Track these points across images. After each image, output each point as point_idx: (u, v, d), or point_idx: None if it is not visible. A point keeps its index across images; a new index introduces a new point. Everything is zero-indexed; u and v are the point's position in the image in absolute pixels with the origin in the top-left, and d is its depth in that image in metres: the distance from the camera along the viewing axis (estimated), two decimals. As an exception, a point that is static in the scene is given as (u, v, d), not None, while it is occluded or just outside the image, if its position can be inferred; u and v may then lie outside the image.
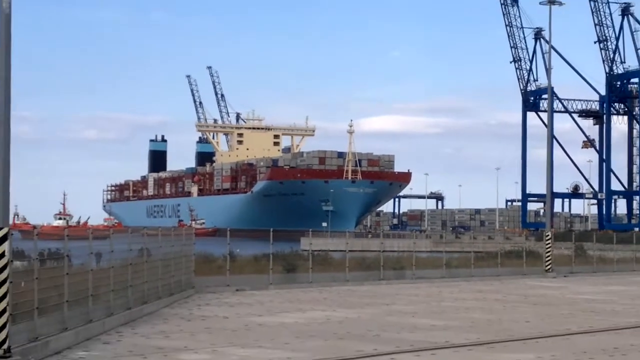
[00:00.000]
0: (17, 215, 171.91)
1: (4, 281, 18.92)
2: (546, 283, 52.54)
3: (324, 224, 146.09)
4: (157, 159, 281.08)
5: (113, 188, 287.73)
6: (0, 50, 20.06)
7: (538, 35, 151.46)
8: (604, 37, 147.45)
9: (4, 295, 18.89)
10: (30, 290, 21.35)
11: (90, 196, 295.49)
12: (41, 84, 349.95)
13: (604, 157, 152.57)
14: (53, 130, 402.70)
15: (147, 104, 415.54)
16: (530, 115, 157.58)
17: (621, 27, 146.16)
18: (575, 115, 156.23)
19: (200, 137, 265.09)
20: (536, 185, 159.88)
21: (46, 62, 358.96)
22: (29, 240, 23.19)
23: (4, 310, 18.84)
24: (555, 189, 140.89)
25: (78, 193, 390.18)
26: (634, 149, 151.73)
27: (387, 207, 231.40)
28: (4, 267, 18.96)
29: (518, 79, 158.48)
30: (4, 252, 18.99)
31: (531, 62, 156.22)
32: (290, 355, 21.67)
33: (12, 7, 20.18)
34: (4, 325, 18.78)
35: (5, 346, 18.74)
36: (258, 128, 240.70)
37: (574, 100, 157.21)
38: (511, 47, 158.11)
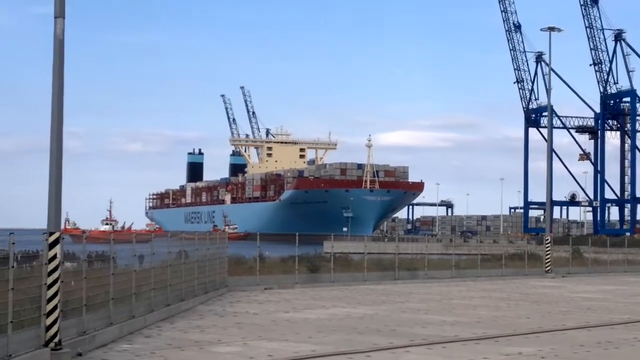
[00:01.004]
0: (68, 221, 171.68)
1: (56, 281, 18.95)
2: (546, 283, 52.32)
3: (345, 229, 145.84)
4: (195, 170, 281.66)
5: (154, 196, 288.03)
6: (54, 72, 20.14)
7: (539, 58, 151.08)
8: (598, 60, 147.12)
9: (55, 294, 18.92)
10: (79, 288, 21.41)
11: (134, 204, 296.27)
12: (89, 102, 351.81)
13: (599, 169, 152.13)
14: (100, 144, 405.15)
15: (186, 121, 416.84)
16: (532, 130, 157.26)
17: (614, 51, 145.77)
18: (572, 131, 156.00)
19: (233, 151, 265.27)
20: (537, 193, 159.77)
21: (94, 81, 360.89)
22: (79, 243, 23.27)
23: (55, 307, 18.85)
24: (554, 198, 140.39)
25: (123, 201, 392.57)
26: (626, 161, 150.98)
27: (402, 213, 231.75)
28: (56, 268, 18.99)
29: (521, 98, 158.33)
30: (55, 254, 19.02)
31: (533, 82, 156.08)
32: (314, 348, 21.59)
33: (65, 32, 20.25)
34: (55, 321, 18.80)
35: (56, 340, 18.77)
36: (286, 142, 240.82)
37: (572, 117, 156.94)
38: (515, 69, 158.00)
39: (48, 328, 18.72)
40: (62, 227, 19.67)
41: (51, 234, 19.19)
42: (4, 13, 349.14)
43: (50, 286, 18.90)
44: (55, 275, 18.95)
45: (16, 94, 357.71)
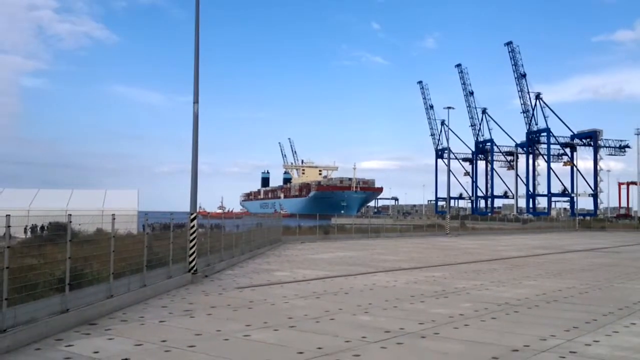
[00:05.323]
0: (200, 207, 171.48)
1: (194, 238, 19.07)
2: (446, 239, 52.03)
3: (342, 212, 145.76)
4: (265, 181, 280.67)
5: (244, 195, 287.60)
6: (194, 133, 20.23)
7: (443, 123, 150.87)
8: (474, 123, 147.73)
9: (194, 245, 19.03)
10: (206, 242, 21.51)
11: (234, 199, 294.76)
12: (212, 145, 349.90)
13: (474, 180, 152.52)
14: (218, 168, 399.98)
15: (262, 155, 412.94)
16: (440, 160, 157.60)
17: (482, 119, 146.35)
18: (460, 160, 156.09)
19: (285, 171, 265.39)
20: (442, 193, 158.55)
21: (214, 135, 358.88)
22: (206, 219, 23.37)
23: (194, 252, 18.97)
24: (451, 195, 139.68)
25: (228, 197, 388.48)
26: (488, 176, 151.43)
27: (371, 203, 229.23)
28: (194, 231, 19.13)
29: (433, 143, 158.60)
30: (194, 224, 19.15)
31: (439, 135, 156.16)
32: (327, 273, 21.58)
33: (199, 110, 20.37)
34: (193, 259, 18.90)
35: (194, 268, 18.87)
36: (311, 166, 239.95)
37: (460, 152, 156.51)
38: (430, 128, 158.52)
39: (190, 262, 18.83)
40: (197, 210, 19.80)
41: (192, 214, 19.32)
42: (162, 100, 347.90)
43: (191, 241, 19.02)
44: (193, 235, 19.06)
45: (173, 143, 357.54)
